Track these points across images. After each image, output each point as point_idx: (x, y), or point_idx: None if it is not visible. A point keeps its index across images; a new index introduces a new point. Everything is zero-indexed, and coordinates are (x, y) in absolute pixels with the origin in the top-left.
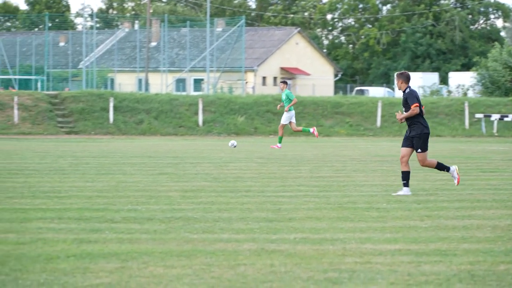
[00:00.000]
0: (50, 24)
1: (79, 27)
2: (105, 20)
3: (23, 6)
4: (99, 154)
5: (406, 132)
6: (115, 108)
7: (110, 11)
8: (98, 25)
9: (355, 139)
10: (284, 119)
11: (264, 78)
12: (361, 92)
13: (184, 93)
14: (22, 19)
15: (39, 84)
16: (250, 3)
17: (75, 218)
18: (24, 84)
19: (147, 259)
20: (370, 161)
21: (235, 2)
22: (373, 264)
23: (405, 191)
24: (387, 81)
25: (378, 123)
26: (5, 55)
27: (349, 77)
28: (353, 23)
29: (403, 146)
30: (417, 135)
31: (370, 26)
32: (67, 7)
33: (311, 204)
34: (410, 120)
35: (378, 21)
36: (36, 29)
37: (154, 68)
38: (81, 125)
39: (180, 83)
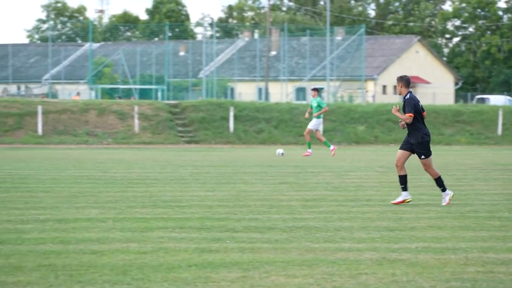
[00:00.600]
0: (170, 34)
1: (199, 37)
2: (225, 30)
3: (143, 16)
4: (219, 163)
5: (406, 136)
6: (235, 117)
7: (230, 20)
8: (218, 35)
9: (475, 148)
10: (311, 125)
11: (384, 86)
12: (482, 100)
13: (304, 102)
14: (142, 29)
15: (159, 94)
16: (369, 12)
17: (196, 227)
18: (144, 94)
19: (269, 268)
20: (491, 170)
21: (355, 10)
22: (495, 274)
23: (404, 195)
24: (508, 89)
25: (499, 131)
26: (126, 65)
27: (469, 85)
28: (473, 31)
29: (400, 148)
30: (416, 143)
31: (490, 33)
32: (187, 17)
33: (432, 213)
34: (410, 126)
35: (499, 29)
36: (156, 39)
37: (274, 77)
38: (201, 134)
39: (300, 92)
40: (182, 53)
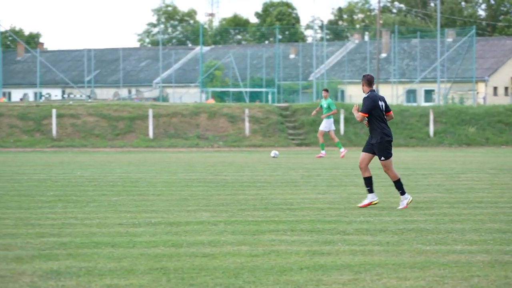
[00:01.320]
0: (280, 37)
1: (309, 39)
2: (335, 32)
3: (253, 19)
4: (330, 166)
5: (369, 137)
6: (345, 119)
7: (340, 22)
8: (328, 37)
9: None
10: (323, 126)
11: (495, 88)
12: None
13: (414, 104)
14: (252, 32)
15: (269, 96)
16: (480, 13)
17: (308, 230)
18: (255, 97)
19: (380, 271)
20: None
21: (466, 12)
22: None
23: (370, 198)
24: None
25: None
26: (236, 68)
27: None
28: None
29: (363, 151)
30: (376, 143)
31: None
32: (297, 19)
33: None
34: (370, 126)
35: None
36: (267, 42)
37: (384, 79)
38: (312, 137)
39: (411, 94)
40: (292, 56)
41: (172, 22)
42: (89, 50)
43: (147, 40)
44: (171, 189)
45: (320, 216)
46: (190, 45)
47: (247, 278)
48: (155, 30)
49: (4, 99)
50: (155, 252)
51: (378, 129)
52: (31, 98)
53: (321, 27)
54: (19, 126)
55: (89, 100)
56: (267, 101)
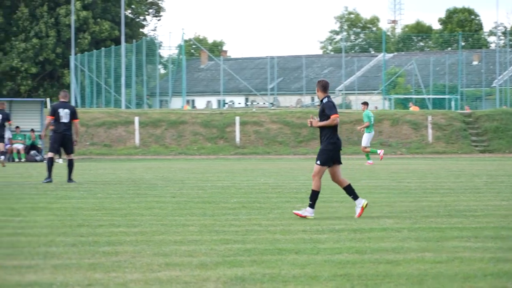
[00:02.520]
0: (463, 43)
1: (492, 46)
2: None
3: (436, 26)
4: None
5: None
6: None
7: None
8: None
9: None
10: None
11: None
12: None
13: None
14: (435, 39)
15: (452, 103)
16: None
17: (492, 236)
18: (438, 104)
19: None
20: None
21: None
22: None
23: (358, 203)
24: None
25: None
26: (419, 75)
27: None
28: None
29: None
30: (321, 148)
31: None
32: (480, 26)
33: None
34: (321, 131)
35: None
36: (449, 48)
37: None
38: (495, 143)
39: None
40: (475, 63)
41: (354, 29)
42: (272, 58)
43: (330, 47)
44: None
45: (504, 223)
46: (372, 52)
47: (431, 284)
48: (338, 37)
49: (188, 107)
50: (339, 258)
51: (328, 135)
52: (214, 105)
53: (504, 33)
54: (202, 134)
55: (272, 108)
56: (450, 108)
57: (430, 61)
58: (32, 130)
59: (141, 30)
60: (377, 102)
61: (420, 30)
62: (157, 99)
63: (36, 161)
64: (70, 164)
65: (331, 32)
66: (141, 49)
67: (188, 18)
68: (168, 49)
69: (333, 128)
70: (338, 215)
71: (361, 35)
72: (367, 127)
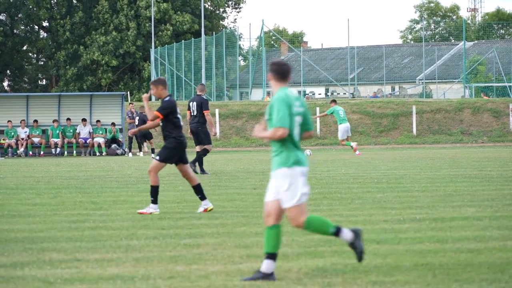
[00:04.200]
0: None
1: None
2: None
3: None
4: None
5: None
6: None
7: None
8: None
9: None
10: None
11: None
12: None
13: None
14: None
15: None
16: None
17: None
18: None
19: None
20: None
21: None
22: None
23: (204, 204)
24: None
25: None
26: (500, 63)
27: None
28: None
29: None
30: (167, 145)
31: None
32: None
33: None
34: (165, 128)
35: None
36: None
37: None
38: None
39: None
40: None
41: (434, 18)
42: (352, 48)
43: (410, 36)
44: (435, 185)
45: None
46: (453, 41)
47: None
48: (418, 26)
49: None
50: (420, 248)
51: (175, 130)
52: None
53: None
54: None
55: (352, 98)
56: None
57: (511, 49)
58: (113, 124)
59: (221, 22)
60: (458, 90)
61: (500, 18)
62: (237, 91)
63: (117, 154)
64: (198, 154)
65: (411, 21)
66: (221, 41)
67: (267, 9)
68: (248, 41)
69: (179, 125)
70: (419, 204)
71: (441, 23)
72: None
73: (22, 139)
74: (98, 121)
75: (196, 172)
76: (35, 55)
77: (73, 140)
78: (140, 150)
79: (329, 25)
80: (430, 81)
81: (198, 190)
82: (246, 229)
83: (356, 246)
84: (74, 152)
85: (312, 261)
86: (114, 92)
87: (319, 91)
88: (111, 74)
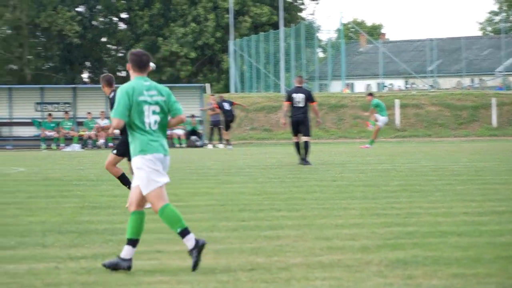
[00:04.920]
0: None
1: None
2: None
3: None
4: None
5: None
6: None
7: None
8: None
9: None
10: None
11: None
12: None
13: None
14: None
15: None
16: None
17: None
18: None
19: None
20: None
21: None
22: None
23: None
24: None
25: None
26: None
27: None
28: None
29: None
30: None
31: None
32: None
33: None
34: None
35: None
36: None
37: None
38: None
39: None
40: None
41: None
42: (431, 40)
43: (489, 28)
44: None
45: None
46: None
47: None
48: (497, 18)
49: (348, 90)
50: (501, 240)
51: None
52: (373, 89)
53: None
54: (362, 117)
55: (432, 90)
56: None
57: None
58: (192, 116)
59: (299, 14)
60: None
61: None
62: (317, 83)
63: (196, 146)
64: (306, 146)
65: (490, 13)
66: (299, 33)
67: (346, 1)
68: (326, 33)
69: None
70: (500, 196)
71: None
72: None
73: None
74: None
75: (308, 164)
76: (114, 47)
77: None
78: (220, 142)
79: (408, 17)
80: (510, 73)
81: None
82: (327, 221)
83: (192, 255)
84: None
85: (392, 253)
86: (193, 84)
87: (398, 83)
88: (190, 66)
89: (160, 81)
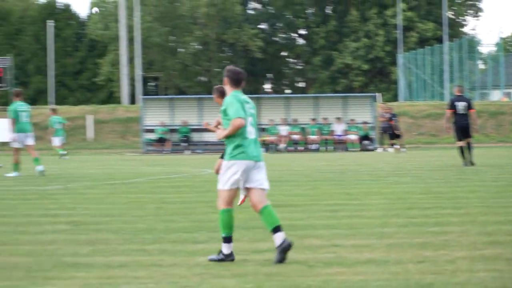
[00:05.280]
0: None
1: None
2: None
3: None
4: None
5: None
6: None
7: None
8: None
9: None
10: None
11: None
12: None
13: None
14: None
15: None
16: None
17: None
18: None
19: None
20: None
21: None
22: None
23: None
24: None
25: None
26: None
27: None
28: None
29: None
30: None
31: None
32: None
33: None
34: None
35: None
36: None
37: None
38: None
39: None
40: None
41: None
42: None
43: None
44: None
45: None
46: None
47: None
48: None
49: (506, 99)
50: None
51: None
52: None
53: None
54: None
55: None
56: None
57: None
58: (365, 123)
59: (461, 29)
60: None
61: None
62: (478, 92)
63: (368, 150)
64: (469, 147)
65: None
66: (462, 47)
67: (505, 17)
68: (487, 47)
69: None
70: None
71: None
72: None
73: (283, 136)
74: (352, 119)
75: (472, 164)
76: (293, 60)
77: (329, 137)
78: (392, 146)
79: None
80: None
81: None
82: (488, 218)
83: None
84: (330, 148)
85: None
86: (366, 94)
87: None
88: (363, 77)
89: (335, 91)
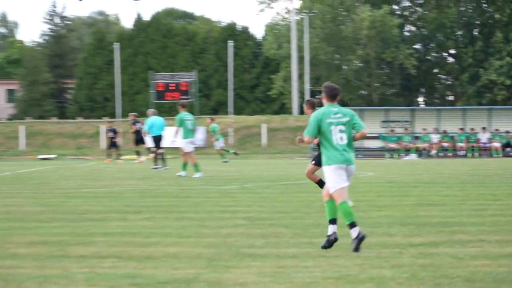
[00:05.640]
0: None
1: None
2: None
3: None
4: None
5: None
6: None
7: None
8: None
9: None
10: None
11: None
12: None
13: None
14: None
15: None
16: None
17: None
18: None
19: None
20: None
21: None
22: None
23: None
24: None
25: None
26: None
27: None
28: None
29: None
30: None
31: None
32: None
33: None
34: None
35: None
36: None
37: None
38: None
39: None
40: None
41: None
42: None
43: None
44: None
45: None
46: None
47: None
48: None
49: None
50: None
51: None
52: None
53: None
54: None
55: None
56: None
57: None
58: (507, 132)
59: None
60: None
61: None
62: None
63: (510, 156)
64: None
65: None
66: None
67: None
68: None
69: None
70: None
71: None
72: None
73: (434, 143)
74: (496, 129)
75: None
76: (443, 76)
77: (475, 145)
78: None
79: None
80: None
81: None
82: None
83: (353, 243)
84: (476, 154)
85: None
86: (508, 106)
87: None
88: (505, 91)
89: (480, 104)
